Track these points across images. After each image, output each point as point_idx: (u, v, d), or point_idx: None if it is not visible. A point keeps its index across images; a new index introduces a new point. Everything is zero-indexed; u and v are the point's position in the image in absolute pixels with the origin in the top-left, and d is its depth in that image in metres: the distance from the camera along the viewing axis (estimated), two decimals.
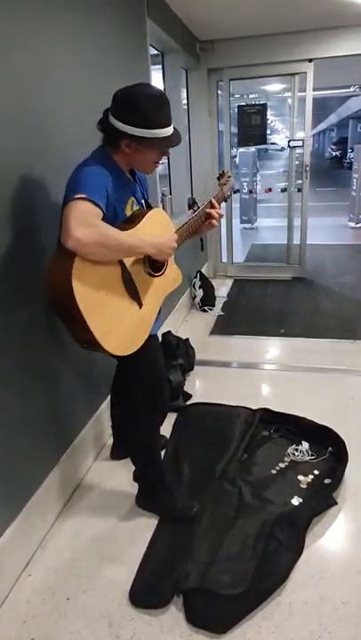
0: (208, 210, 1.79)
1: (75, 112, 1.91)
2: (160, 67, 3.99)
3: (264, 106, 4.95)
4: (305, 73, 4.50)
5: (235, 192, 5.94)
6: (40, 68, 1.69)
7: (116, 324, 1.45)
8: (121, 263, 1.46)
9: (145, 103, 1.41)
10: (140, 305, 1.54)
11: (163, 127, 1.44)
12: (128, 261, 1.49)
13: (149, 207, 1.70)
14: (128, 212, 1.54)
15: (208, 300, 4.32)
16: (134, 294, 1.51)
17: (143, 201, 1.68)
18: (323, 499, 1.92)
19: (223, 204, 1.95)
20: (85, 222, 1.26)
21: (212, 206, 1.80)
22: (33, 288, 1.69)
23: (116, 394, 2.08)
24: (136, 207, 1.59)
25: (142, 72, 2.86)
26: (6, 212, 1.54)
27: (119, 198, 1.48)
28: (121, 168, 1.54)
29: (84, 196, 1.29)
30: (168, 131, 1.46)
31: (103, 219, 1.34)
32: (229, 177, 2.03)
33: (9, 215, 1.56)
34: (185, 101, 4.61)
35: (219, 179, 2.03)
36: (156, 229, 1.59)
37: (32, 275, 1.67)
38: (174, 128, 1.50)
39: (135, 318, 1.53)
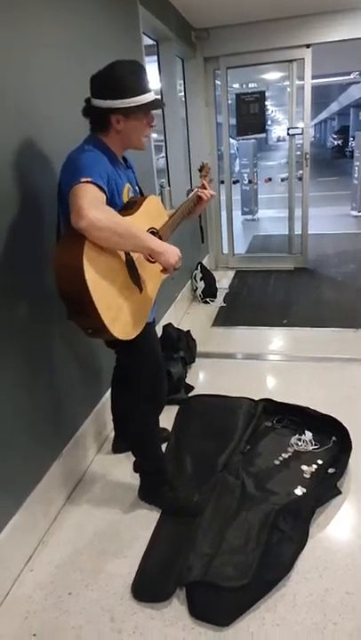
0: (200, 193, 1.84)
1: (66, 102, 1.88)
2: (155, 57, 3.94)
3: (262, 93, 4.88)
4: (303, 59, 4.44)
5: (234, 182, 5.88)
6: (30, 58, 1.66)
7: (121, 309, 1.44)
8: None
9: (122, 73, 1.43)
10: (141, 290, 1.54)
11: (144, 93, 1.45)
12: None
13: (142, 194, 1.71)
14: (125, 199, 1.54)
15: (209, 292, 4.29)
16: (136, 279, 1.51)
17: (137, 187, 1.69)
18: (327, 488, 1.89)
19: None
20: (97, 206, 1.26)
21: (204, 188, 1.88)
22: (33, 280, 1.68)
23: (116, 385, 2.07)
24: (131, 194, 1.60)
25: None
26: (5, 204, 1.53)
27: (117, 184, 1.48)
28: (115, 154, 1.53)
29: (89, 179, 1.29)
30: (150, 96, 1.47)
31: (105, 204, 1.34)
32: (209, 168, 2.08)
33: (8, 206, 1.55)
34: (182, 92, 4.55)
35: (200, 170, 2.05)
36: (152, 218, 1.60)
37: (32, 266, 1.65)
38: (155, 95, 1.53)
39: (137, 303, 1.53)
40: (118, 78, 1.42)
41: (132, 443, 1.91)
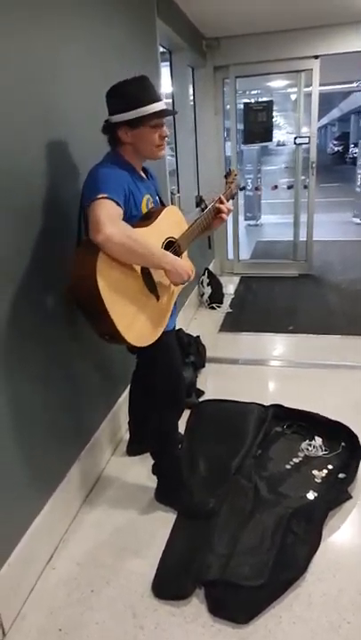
0: (218, 205, 1.85)
1: (87, 112, 1.92)
2: (167, 64, 4.00)
3: (270, 103, 4.97)
4: (311, 70, 4.51)
5: (241, 189, 5.95)
6: (53, 69, 1.70)
7: (137, 317, 1.49)
8: None
9: (126, 87, 1.51)
10: (158, 298, 1.59)
11: (150, 103, 1.49)
12: None
13: (162, 204, 1.76)
14: (144, 210, 1.59)
15: (216, 298, 4.35)
16: (152, 287, 1.57)
17: (157, 198, 1.74)
18: (338, 493, 1.95)
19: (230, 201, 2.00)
20: (114, 221, 1.32)
21: (221, 202, 1.86)
22: (53, 285, 1.73)
23: (135, 389, 2.12)
24: (151, 204, 1.65)
25: (152, 71, 2.87)
26: (29, 208, 1.58)
27: (136, 197, 1.54)
28: (134, 167, 1.59)
29: (106, 195, 1.35)
30: (157, 106, 1.51)
31: (122, 218, 1.40)
32: (236, 175, 2.09)
33: (32, 210, 1.60)
34: (191, 99, 4.62)
35: (226, 177, 2.08)
36: (170, 227, 1.65)
37: (53, 272, 1.70)
38: (166, 105, 1.56)
39: (153, 311, 1.58)
40: (122, 93, 1.51)
41: (151, 446, 1.96)
